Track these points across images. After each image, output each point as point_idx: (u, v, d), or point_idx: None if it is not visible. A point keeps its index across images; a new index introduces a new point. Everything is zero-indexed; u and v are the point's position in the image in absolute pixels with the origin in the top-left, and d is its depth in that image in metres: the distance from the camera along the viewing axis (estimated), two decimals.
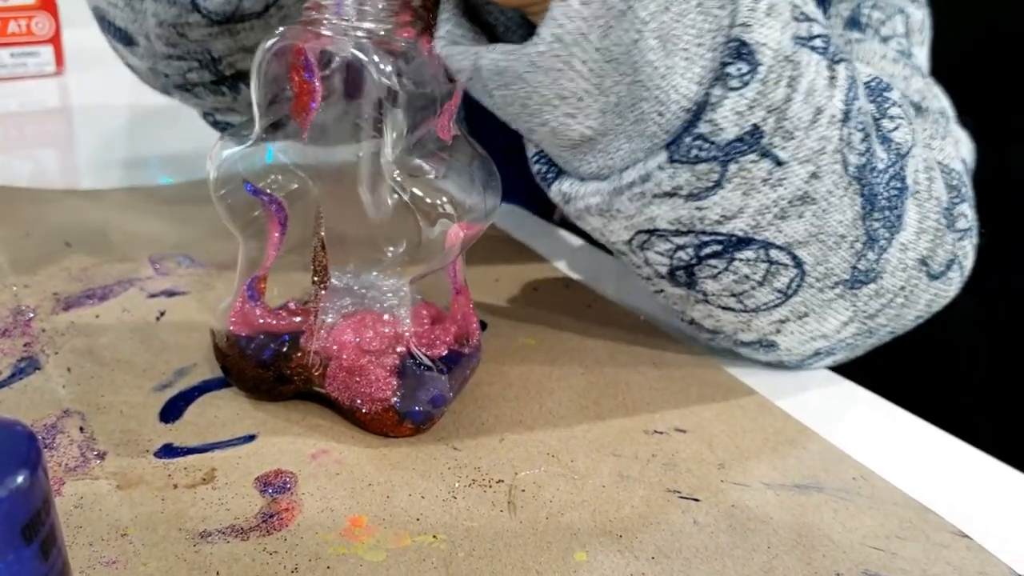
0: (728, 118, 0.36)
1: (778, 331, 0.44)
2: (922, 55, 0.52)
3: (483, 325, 0.49)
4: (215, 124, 0.63)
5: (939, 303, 0.46)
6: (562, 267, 0.57)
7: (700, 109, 0.36)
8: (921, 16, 0.52)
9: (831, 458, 0.40)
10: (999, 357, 0.79)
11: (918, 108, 0.47)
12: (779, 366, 0.47)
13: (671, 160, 0.36)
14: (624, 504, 0.36)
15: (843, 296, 0.42)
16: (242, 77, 0.54)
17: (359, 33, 0.35)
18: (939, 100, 0.49)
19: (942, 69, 0.55)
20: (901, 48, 0.50)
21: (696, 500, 0.37)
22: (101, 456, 0.37)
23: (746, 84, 0.35)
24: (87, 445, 0.38)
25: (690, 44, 0.35)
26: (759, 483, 0.38)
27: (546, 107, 0.36)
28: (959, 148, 0.48)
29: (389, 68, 0.35)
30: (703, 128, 0.36)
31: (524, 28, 0.39)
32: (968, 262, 0.46)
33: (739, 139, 0.36)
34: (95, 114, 0.87)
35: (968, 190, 0.46)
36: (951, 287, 0.45)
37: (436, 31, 0.37)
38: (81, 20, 0.99)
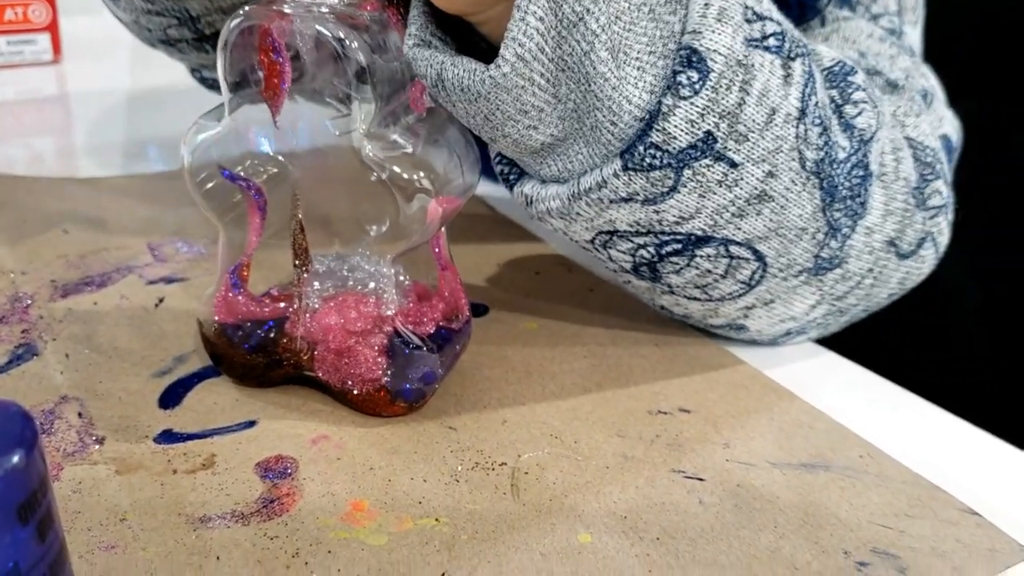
0: (680, 127, 0.35)
1: (746, 316, 0.44)
2: (914, 34, 0.52)
3: (485, 309, 0.48)
4: (203, 80, 0.62)
5: (913, 280, 0.46)
6: (564, 251, 0.56)
7: (652, 118, 0.35)
8: None
9: (837, 437, 0.39)
10: (1001, 340, 0.78)
11: (895, 86, 0.46)
12: (752, 343, 0.47)
13: (625, 168, 0.36)
14: (628, 485, 0.36)
15: (808, 283, 0.42)
16: None
17: (323, 9, 0.35)
18: (926, 79, 0.48)
19: (944, 53, 0.55)
20: (892, 26, 0.49)
21: (701, 480, 0.36)
22: (100, 441, 0.37)
23: (697, 92, 0.35)
24: (85, 430, 0.37)
25: (642, 53, 0.35)
26: (765, 462, 0.38)
27: (509, 121, 0.36)
28: (942, 125, 0.47)
29: (355, 44, 0.34)
30: (655, 137, 0.35)
31: None
32: (943, 238, 0.46)
33: (692, 146, 0.36)
34: (92, 102, 0.87)
35: (944, 167, 0.46)
36: (924, 264, 0.45)
37: (407, 29, 0.36)
38: (78, 8, 0.99)
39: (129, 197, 0.61)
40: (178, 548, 0.31)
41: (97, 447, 0.36)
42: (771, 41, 0.37)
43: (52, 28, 0.94)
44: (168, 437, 0.37)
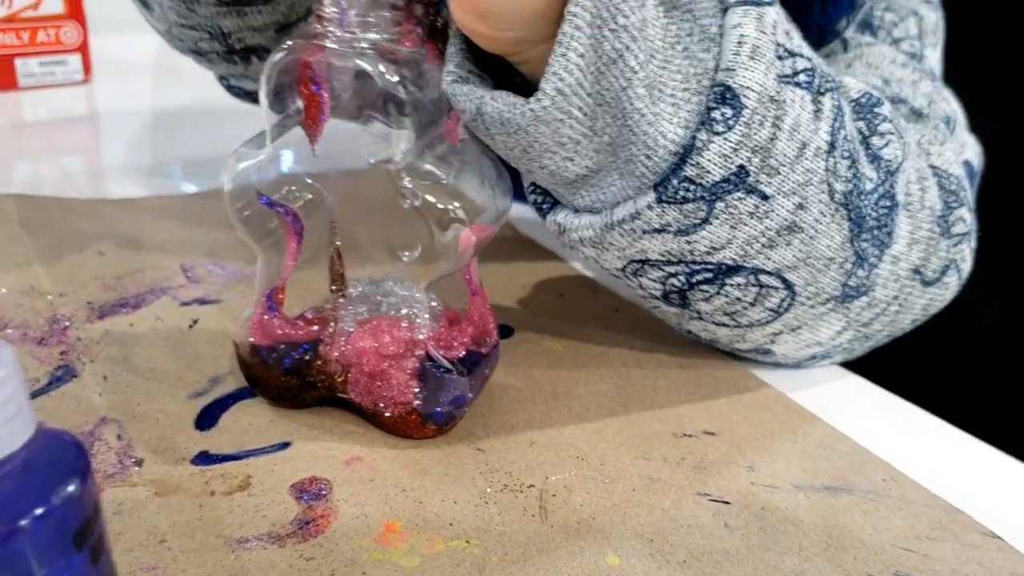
0: (714, 161, 0.36)
1: (773, 341, 0.44)
2: (934, 57, 0.52)
3: (510, 330, 0.49)
4: (229, 88, 0.64)
5: (936, 306, 0.46)
6: (588, 272, 0.57)
7: (686, 153, 0.36)
8: (935, 19, 0.53)
9: (859, 460, 0.40)
10: (1019, 355, 0.78)
11: (919, 114, 0.47)
12: (777, 366, 0.47)
13: (659, 200, 0.37)
14: (655, 507, 0.37)
15: (835, 310, 0.43)
16: (253, 51, 0.55)
17: (364, 44, 0.36)
18: (948, 103, 0.49)
19: (952, 57, 0.55)
20: (913, 50, 0.50)
21: (726, 503, 0.37)
22: (139, 463, 0.38)
23: (730, 128, 0.36)
24: (125, 452, 0.38)
25: (676, 89, 0.36)
26: (789, 485, 0.38)
27: (546, 153, 0.37)
28: (964, 151, 0.48)
29: (395, 78, 0.35)
30: (689, 171, 0.36)
31: None
32: (966, 265, 0.46)
33: (725, 180, 0.37)
34: (122, 121, 0.88)
35: (967, 194, 0.46)
36: (947, 291, 0.46)
37: (444, 66, 0.37)
38: (108, 29, 1.00)
39: (162, 218, 0.62)
40: (217, 570, 0.32)
41: (136, 469, 0.37)
42: (802, 77, 0.38)
43: (83, 49, 0.96)
44: (205, 459, 0.38)
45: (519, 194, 0.42)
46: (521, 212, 0.61)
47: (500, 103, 0.36)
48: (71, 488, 0.23)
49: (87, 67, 0.97)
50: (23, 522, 0.22)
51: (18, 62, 0.93)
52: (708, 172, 0.36)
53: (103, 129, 0.87)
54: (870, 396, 0.46)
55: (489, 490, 0.37)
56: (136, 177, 0.72)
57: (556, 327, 0.50)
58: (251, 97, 0.63)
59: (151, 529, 0.34)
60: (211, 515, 0.35)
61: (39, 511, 0.22)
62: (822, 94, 0.38)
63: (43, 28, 0.93)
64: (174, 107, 0.94)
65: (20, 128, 0.85)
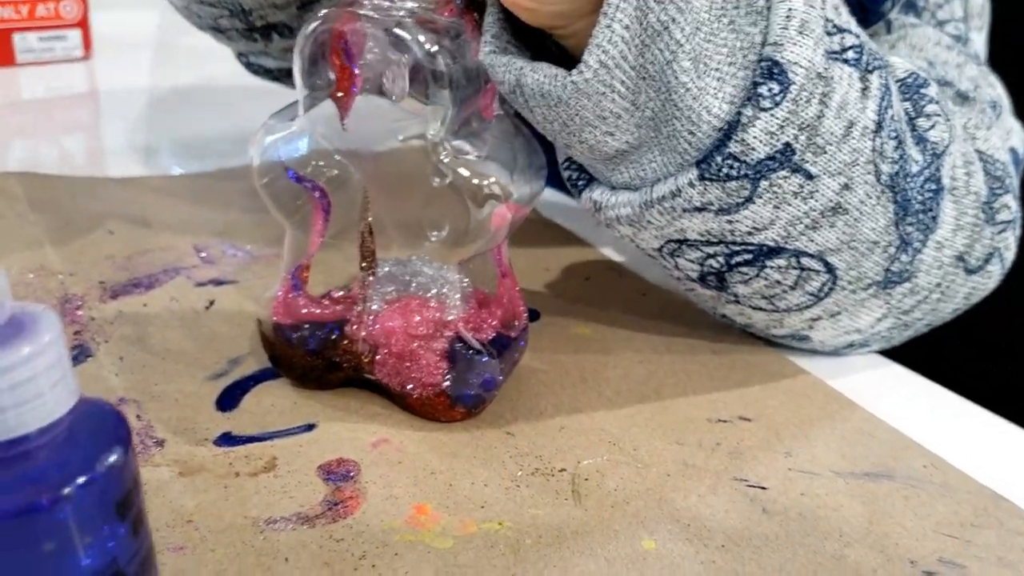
0: (759, 138, 0.35)
1: (811, 327, 0.43)
2: (979, 41, 0.51)
3: (536, 314, 0.48)
4: (248, 65, 0.63)
5: (978, 295, 0.46)
6: (614, 256, 0.56)
7: (731, 129, 0.35)
8: (981, 1, 0.52)
9: (900, 447, 0.39)
10: None
11: (965, 98, 0.46)
12: (811, 352, 0.47)
13: (701, 178, 0.36)
14: (690, 492, 0.36)
15: (876, 296, 0.42)
16: (273, 28, 0.55)
17: (401, 12, 0.35)
18: (994, 88, 0.48)
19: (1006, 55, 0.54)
20: (958, 33, 0.49)
21: (764, 488, 0.36)
22: (160, 444, 0.37)
23: (777, 104, 0.35)
24: (146, 432, 0.37)
25: (722, 64, 0.35)
26: (828, 471, 0.37)
27: (586, 127, 0.36)
28: (1011, 137, 0.47)
29: (434, 48, 0.34)
30: (734, 148, 0.35)
31: None
32: (1010, 253, 0.46)
33: (770, 157, 0.36)
34: (122, 98, 0.87)
35: (1013, 181, 0.46)
36: (990, 279, 0.45)
37: (482, 37, 0.36)
38: (108, 4, 0.99)
39: (167, 197, 0.61)
40: (246, 550, 0.31)
41: (158, 449, 0.36)
42: (850, 54, 0.37)
43: (83, 24, 0.94)
44: (228, 440, 0.37)
45: (549, 177, 0.42)
46: (545, 195, 0.60)
47: (541, 74, 0.35)
48: (114, 457, 0.22)
49: (87, 43, 0.95)
50: (67, 490, 0.21)
51: (16, 37, 0.91)
52: (753, 149, 0.35)
53: (103, 107, 0.86)
54: (910, 384, 0.45)
55: (520, 473, 0.36)
56: (137, 156, 0.71)
57: (583, 311, 0.49)
58: (270, 74, 0.62)
59: (177, 509, 0.33)
60: (237, 496, 0.34)
61: (82, 479, 0.21)
62: (870, 72, 0.37)
63: (42, 2, 0.91)
64: (175, 85, 0.92)
65: (18, 105, 0.83)
